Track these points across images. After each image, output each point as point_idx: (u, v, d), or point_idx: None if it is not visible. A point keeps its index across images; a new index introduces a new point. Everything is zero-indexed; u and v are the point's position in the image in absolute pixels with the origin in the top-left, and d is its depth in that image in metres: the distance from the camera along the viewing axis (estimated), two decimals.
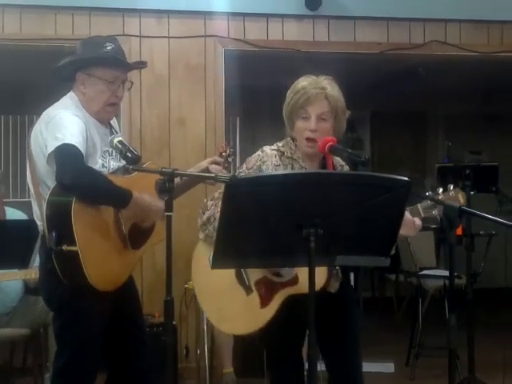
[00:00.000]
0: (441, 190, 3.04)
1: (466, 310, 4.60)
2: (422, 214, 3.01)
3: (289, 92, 3.08)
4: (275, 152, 3.08)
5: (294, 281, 3.03)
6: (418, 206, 3.00)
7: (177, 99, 5.64)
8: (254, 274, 3.08)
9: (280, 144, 3.12)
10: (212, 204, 3.08)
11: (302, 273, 2.95)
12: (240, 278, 3.10)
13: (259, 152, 3.10)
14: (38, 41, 5.45)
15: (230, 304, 3.15)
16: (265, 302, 3.06)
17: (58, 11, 5.46)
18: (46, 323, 4.61)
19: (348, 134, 8.88)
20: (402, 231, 2.66)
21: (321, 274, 2.94)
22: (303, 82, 3.05)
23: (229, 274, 3.09)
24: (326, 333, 3.01)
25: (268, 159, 3.05)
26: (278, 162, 3.05)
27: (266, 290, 3.06)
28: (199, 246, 3.25)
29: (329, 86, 3.03)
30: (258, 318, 3.06)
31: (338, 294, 3.11)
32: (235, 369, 5.11)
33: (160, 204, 3.21)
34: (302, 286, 2.94)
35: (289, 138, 3.12)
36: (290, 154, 3.07)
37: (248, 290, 3.10)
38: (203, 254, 3.16)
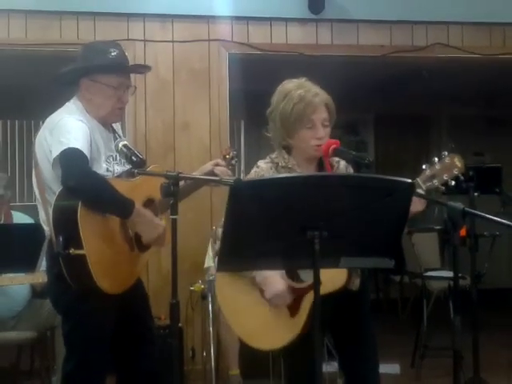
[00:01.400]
0: (436, 159, 3.01)
1: (470, 310, 4.59)
2: (424, 187, 2.99)
3: (280, 100, 3.06)
4: (270, 164, 3.10)
5: None
6: (418, 179, 2.98)
7: (181, 103, 5.67)
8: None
9: (273, 155, 3.13)
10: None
11: (323, 273, 2.96)
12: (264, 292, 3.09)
13: (255, 168, 3.12)
14: (42, 46, 5.47)
15: (261, 321, 3.11)
16: (294, 310, 3.03)
17: (63, 16, 5.49)
18: (53, 326, 4.63)
19: (352, 136, 8.89)
20: (412, 209, 2.64)
21: (341, 271, 2.94)
22: (296, 89, 3.02)
23: (253, 290, 3.08)
24: (346, 331, 3.04)
25: (265, 173, 3.06)
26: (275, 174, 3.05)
27: (293, 299, 3.05)
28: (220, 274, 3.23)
29: (318, 89, 3.04)
30: (291, 327, 3.03)
31: (358, 292, 3.10)
32: (241, 370, 5.12)
33: (161, 222, 3.24)
34: (324, 287, 2.93)
35: (280, 148, 3.12)
36: (284, 164, 3.08)
37: None
38: (225, 279, 3.15)
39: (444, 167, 3.01)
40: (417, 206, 2.91)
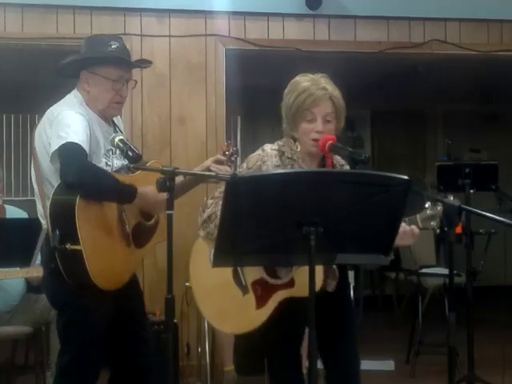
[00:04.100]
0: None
1: (465, 307, 4.61)
2: (421, 225, 3.00)
3: (288, 92, 3.05)
4: (275, 152, 3.06)
5: (290, 284, 3.04)
6: (417, 216, 3.00)
7: (178, 98, 5.66)
8: (251, 275, 3.08)
9: (281, 143, 3.09)
10: (212, 202, 3.05)
11: (298, 276, 2.97)
12: (237, 278, 3.11)
13: (260, 151, 3.07)
14: (39, 40, 5.47)
15: (225, 303, 3.15)
16: (260, 303, 3.06)
17: (60, 10, 5.48)
18: (48, 321, 4.63)
19: (348, 132, 8.90)
20: (401, 242, 2.67)
21: (318, 274, 2.94)
22: (304, 82, 3.01)
23: (226, 273, 3.09)
24: (323, 331, 3.02)
25: (268, 159, 3.03)
26: (278, 163, 3.03)
27: (262, 292, 3.06)
28: (198, 243, 3.25)
29: (329, 85, 3.01)
30: (253, 318, 3.07)
31: (335, 293, 3.11)
32: (236, 366, 5.13)
33: (163, 196, 3.23)
34: (298, 290, 2.96)
35: (289, 138, 3.10)
36: (290, 155, 3.05)
37: (244, 290, 3.10)
38: (202, 251, 3.17)
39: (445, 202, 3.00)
40: (408, 239, 2.93)
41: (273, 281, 3.07)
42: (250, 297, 3.09)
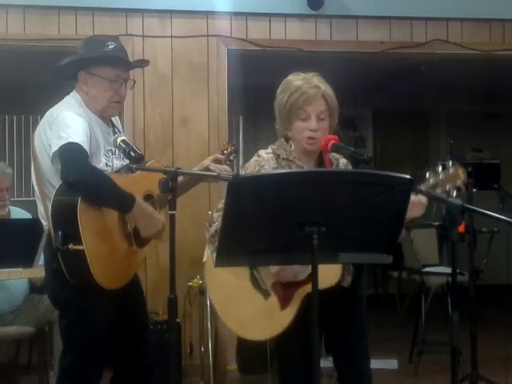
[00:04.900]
0: (440, 168, 3.01)
1: (468, 306, 4.60)
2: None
3: (281, 91, 3.07)
4: (271, 155, 3.08)
5: (309, 278, 3.04)
6: (421, 186, 2.98)
7: (180, 99, 5.67)
8: (270, 278, 3.06)
9: (274, 147, 3.11)
10: (218, 216, 3.05)
11: (319, 270, 2.96)
12: (256, 284, 3.07)
13: (256, 157, 3.10)
14: (41, 41, 5.48)
15: (249, 311, 3.11)
16: (284, 303, 3.04)
17: (61, 11, 5.49)
18: (51, 321, 4.63)
19: (350, 132, 8.90)
20: (410, 213, 2.64)
21: (336, 268, 2.95)
22: (296, 81, 3.03)
23: (244, 280, 3.07)
24: (336, 327, 3.03)
25: (265, 163, 3.05)
26: (276, 165, 3.04)
27: (284, 292, 3.04)
28: (211, 258, 3.23)
29: (321, 83, 3.02)
30: (280, 320, 3.04)
31: (351, 289, 3.10)
32: (239, 366, 5.13)
33: (161, 217, 3.24)
34: (321, 283, 2.95)
35: (282, 139, 3.11)
36: (285, 156, 3.07)
37: (265, 294, 3.06)
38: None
39: (447, 177, 3.00)
40: (417, 210, 2.92)
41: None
42: (273, 299, 3.06)
